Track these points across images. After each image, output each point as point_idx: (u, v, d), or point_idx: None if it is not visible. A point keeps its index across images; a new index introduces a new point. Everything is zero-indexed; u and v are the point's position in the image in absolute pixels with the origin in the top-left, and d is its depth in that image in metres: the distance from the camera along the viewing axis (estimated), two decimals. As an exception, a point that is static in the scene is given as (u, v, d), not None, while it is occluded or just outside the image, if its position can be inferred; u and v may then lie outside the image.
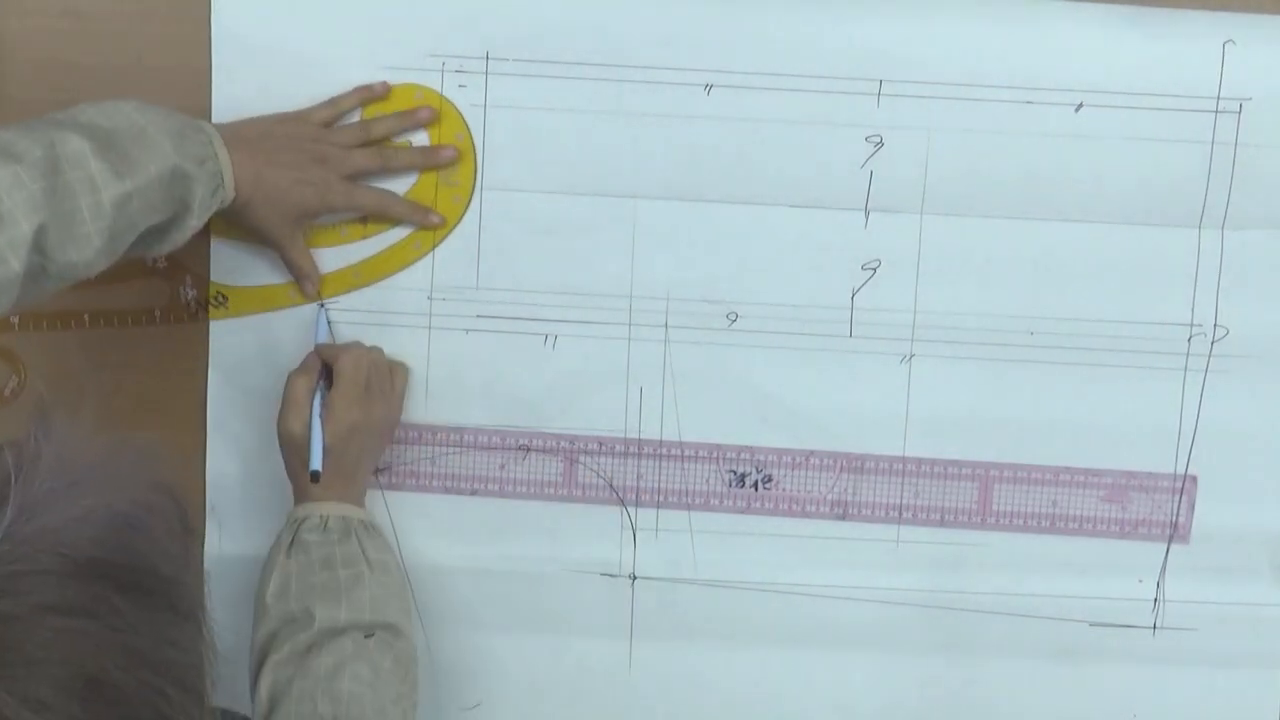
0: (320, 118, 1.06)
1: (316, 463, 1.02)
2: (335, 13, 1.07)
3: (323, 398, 1.04)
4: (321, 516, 1.02)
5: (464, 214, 1.09)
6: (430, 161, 1.08)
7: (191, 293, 1.11)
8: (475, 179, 1.09)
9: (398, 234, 1.09)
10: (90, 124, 0.93)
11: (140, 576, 0.63)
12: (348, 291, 1.10)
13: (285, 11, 1.07)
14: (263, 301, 1.10)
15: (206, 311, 1.10)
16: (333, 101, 1.07)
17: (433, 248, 1.09)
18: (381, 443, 1.09)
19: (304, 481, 1.03)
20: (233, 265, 1.10)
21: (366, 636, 0.99)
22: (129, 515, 0.64)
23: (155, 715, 0.62)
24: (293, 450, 1.04)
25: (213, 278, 1.10)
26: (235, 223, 1.05)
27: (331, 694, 0.96)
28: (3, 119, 1.06)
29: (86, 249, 0.91)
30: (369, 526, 1.05)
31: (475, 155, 1.09)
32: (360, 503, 1.06)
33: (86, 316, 1.10)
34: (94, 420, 0.66)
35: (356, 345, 1.08)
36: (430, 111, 1.08)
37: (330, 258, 1.09)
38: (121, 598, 0.62)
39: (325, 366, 1.06)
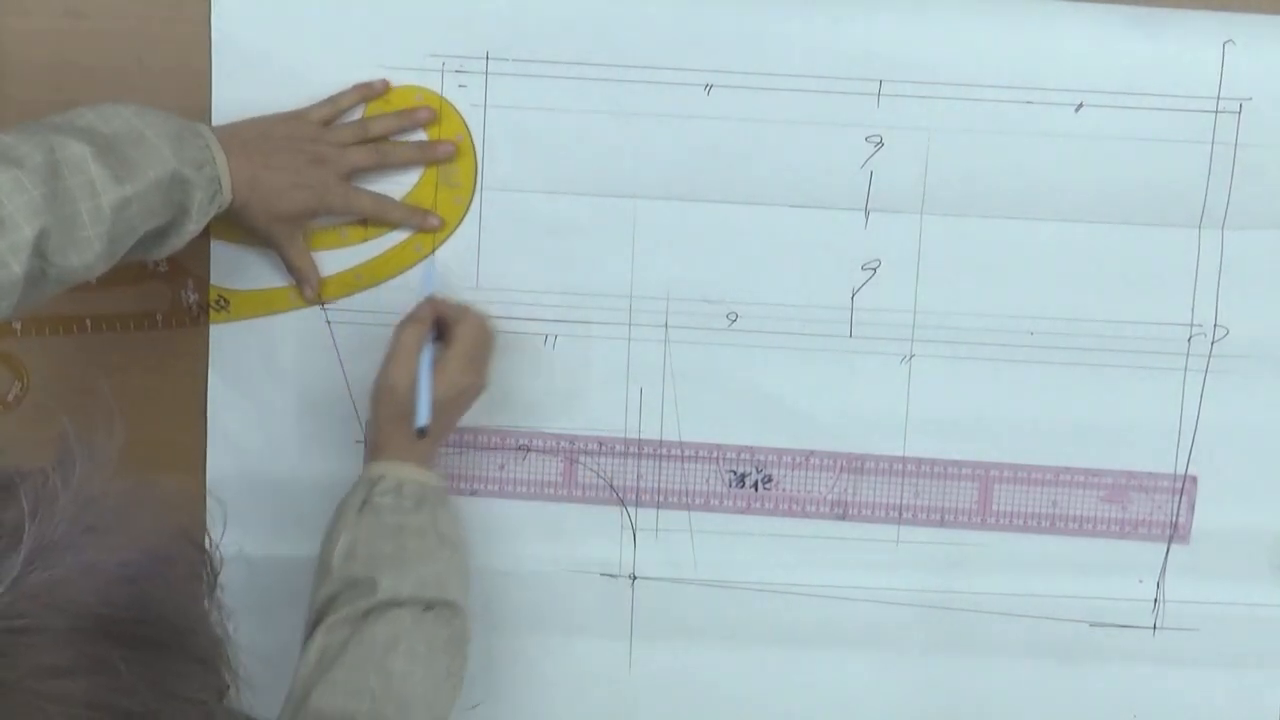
0: (319, 116, 1.06)
1: (424, 417, 1.00)
2: (335, 13, 1.07)
3: (432, 354, 1.02)
4: (397, 480, 1.01)
5: (464, 215, 1.09)
6: (428, 157, 1.08)
7: (193, 296, 1.11)
8: (476, 180, 1.09)
9: (398, 236, 1.09)
10: (89, 128, 0.93)
11: (147, 629, 0.62)
12: (348, 294, 1.10)
13: (285, 12, 1.07)
14: (264, 305, 1.10)
15: (208, 315, 1.10)
16: (332, 99, 1.07)
17: (433, 250, 1.09)
18: (462, 413, 1.07)
19: (385, 438, 1.01)
20: (234, 268, 1.10)
21: (426, 610, 0.97)
22: (141, 565, 0.62)
23: None
24: (390, 402, 1.01)
25: (214, 281, 1.10)
26: (234, 225, 1.05)
27: (384, 668, 0.95)
28: (3, 119, 1.06)
29: (87, 253, 0.91)
30: (444, 499, 1.03)
31: (476, 157, 1.09)
32: (434, 468, 1.04)
33: (89, 321, 1.10)
34: (120, 451, 0.65)
35: (477, 310, 1.06)
36: (429, 111, 1.08)
37: (331, 260, 1.09)
38: (123, 654, 0.60)
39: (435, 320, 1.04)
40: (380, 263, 1.10)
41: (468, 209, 1.09)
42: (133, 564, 0.62)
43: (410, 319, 1.04)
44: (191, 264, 1.09)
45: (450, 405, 1.03)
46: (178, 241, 0.99)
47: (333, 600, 0.98)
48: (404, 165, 1.08)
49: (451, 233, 1.09)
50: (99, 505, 0.62)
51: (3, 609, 0.58)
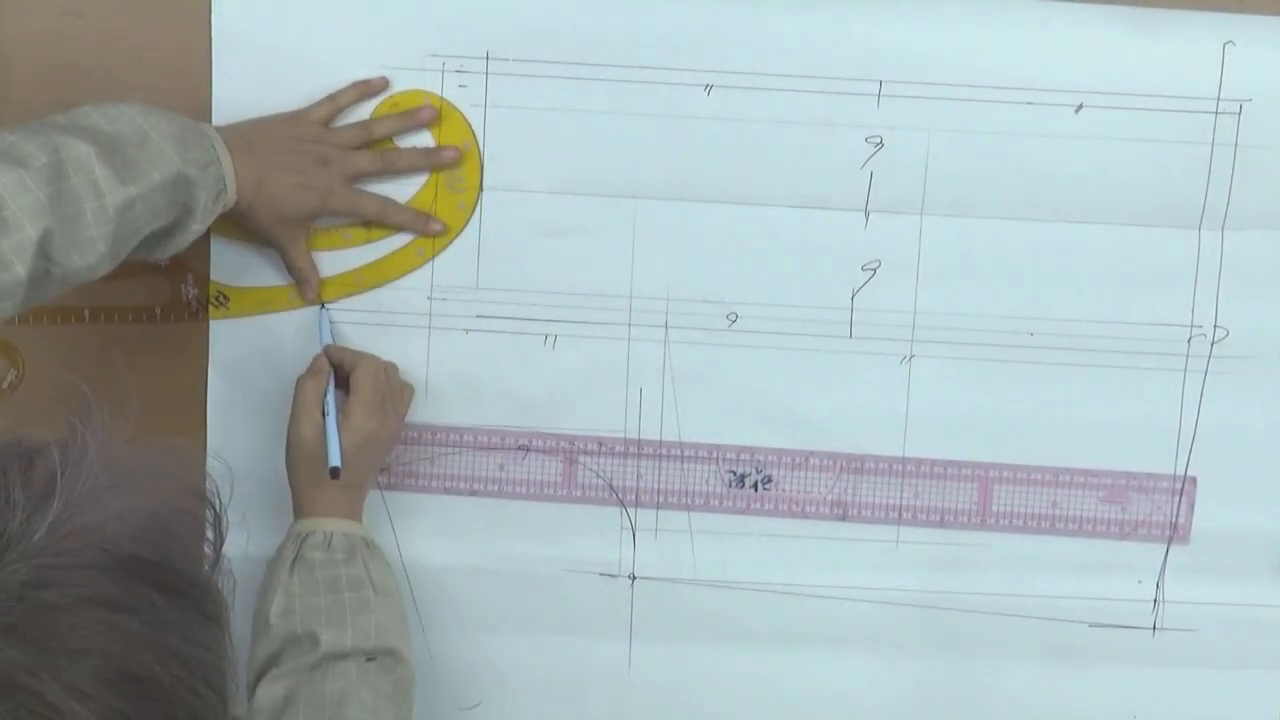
0: (319, 115, 1.06)
1: (336, 458, 1.01)
2: (335, 13, 1.07)
3: (335, 401, 1.04)
4: (325, 534, 1.02)
5: (468, 220, 1.09)
6: (432, 162, 1.08)
7: (193, 291, 1.11)
8: (479, 185, 1.09)
9: (400, 240, 1.09)
10: (93, 128, 0.93)
11: (174, 578, 0.64)
12: (349, 295, 1.10)
13: (285, 12, 1.07)
14: (263, 303, 1.10)
15: (207, 310, 1.10)
16: (331, 98, 1.07)
17: (434, 255, 1.09)
18: (383, 459, 1.09)
19: (307, 494, 1.03)
20: (234, 266, 1.10)
21: (368, 660, 0.99)
22: (165, 517, 0.65)
23: (189, 713, 0.62)
24: (302, 455, 1.03)
25: (214, 278, 1.10)
26: (237, 224, 1.05)
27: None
28: (3, 119, 1.06)
29: (90, 253, 0.91)
30: (372, 546, 1.04)
31: (481, 162, 1.09)
32: (360, 519, 1.06)
33: (87, 312, 1.10)
34: (135, 418, 0.67)
35: (372, 356, 1.08)
36: (432, 110, 1.08)
37: (332, 262, 1.09)
38: (158, 595, 0.62)
39: (334, 370, 1.06)
40: (381, 266, 1.10)
41: (471, 213, 1.09)
42: (157, 515, 0.64)
43: (307, 373, 1.05)
44: (192, 259, 1.09)
45: (361, 451, 1.03)
46: (182, 241, 0.99)
47: (275, 656, 0.99)
48: (409, 171, 1.08)
49: (456, 236, 1.09)
50: (122, 462, 0.64)
51: (45, 547, 0.60)
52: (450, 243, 1.09)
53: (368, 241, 1.10)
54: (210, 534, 0.69)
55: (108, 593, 0.61)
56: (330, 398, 1.04)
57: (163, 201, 0.94)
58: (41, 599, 0.59)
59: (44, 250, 0.89)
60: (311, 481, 1.03)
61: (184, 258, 1.09)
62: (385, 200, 1.08)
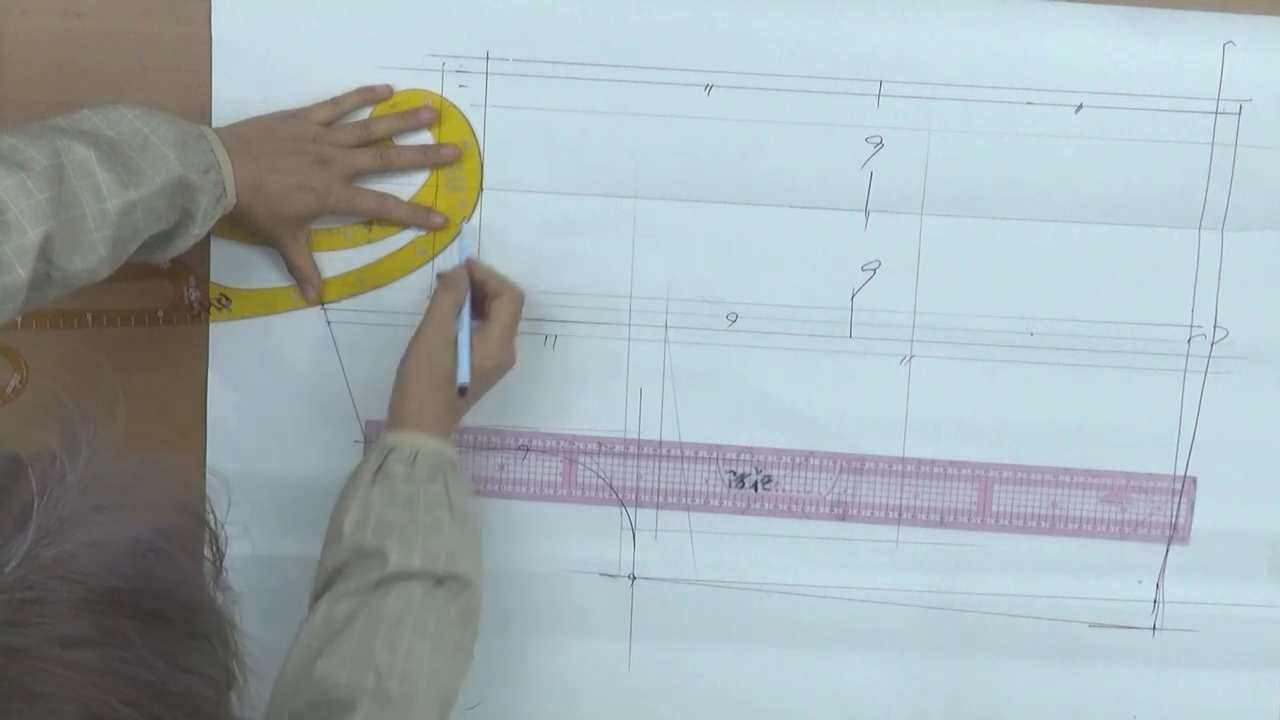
0: (321, 116, 1.06)
1: (466, 374, 1.00)
2: (335, 13, 1.07)
3: (468, 325, 1.03)
4: (412, 449, 0.99)
5: (470, 217, 1.09)
6: (432, 160, 1.08)
7: (195, 294, 1.11)
8: (479, 183, 1.09)
9: (401, 240, 1.09)
10: (94, 131, 0.93)
11: (156, 603, 0.63)
12: (350, 296, 1.10)
13: (285, 12, 1.07)
14: (265, 304, 1.10)
15: (209, 313, 1.10)
16: (334, 101, 1.07)
17: (435, 255, 1.09)
18: (489, 388, 1.06)
19: (413, 404, 1.00)
20: (236, 267, 1.10)
21: (437, 585, 0.96)
22: (149, 541, 0.63)
23: None
24: (425, 364, 1.00)
25: (216, 280, 1.10)
26: (238, 225, 1.05)
27: (391, 642, 0.93)
28: (3, 119, 1.06)
29: (91, 257, 0.91)
30: (457, 470, 1.01)
31: (480, 161, 1.09)
32: (452, 443, 1.03)
33: (89, 315, 1.10)
34: (123, 433, 0.66)
35: (515, 285, 1.06)
36: (431, 111, 1.08)
37: (333, 262, 1.09)
38: (135, 626, 0.61)
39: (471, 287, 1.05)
40: (383, 266, 1.10)
41: (471, 212, 1.09)
42: (140, 539, 0.63)
43: (447, 285, 1.04)
44: (194, 262, 1.09)
45: (485, 376, 1.03)
46: (182, 245, 0.99)
47: (342, 569, 0.97)
48: (408, 169, 1.08)
49: (455, 236, 1.09)
50: (106, 483, 0.63)
51: (15, 581, 0.59)
52: (451, 243, 1.09)
53: (369, 241, 1.10)
54: (207, 550, 0.67)
55: (77, 630, 0.60)
56: (466, 313, 1.02)
57: (163, 205, 0.95)
58: (5, 643, 0.58)
59: (45, 254, 0.89)
60: (425, 392, 1.00)
61: (186, 260, 1.09)
62: (385, 196, 1.08)
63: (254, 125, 1.04)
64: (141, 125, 0.94)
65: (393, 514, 0.97)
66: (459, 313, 1.02)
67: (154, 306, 1.11)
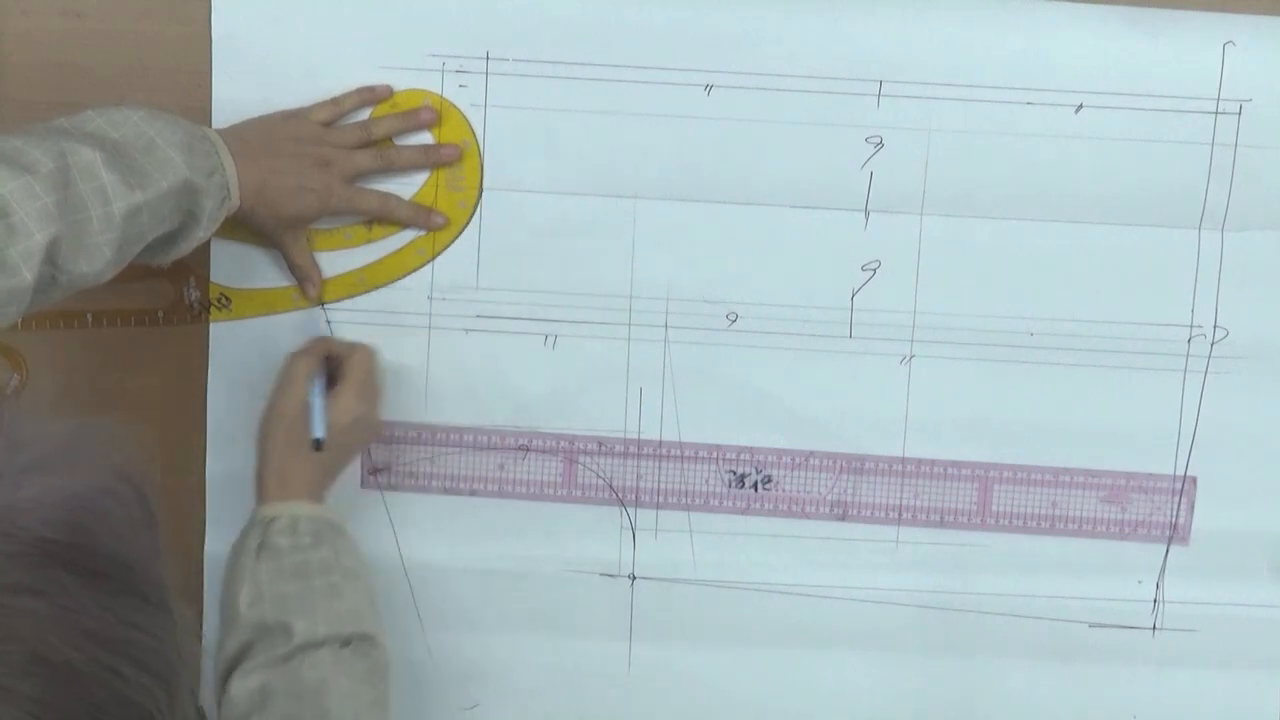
0: (321, 117, 1.06)
1: (320, 430, 1.01)
2: (335, 13, 1.07)
3: (323, 380, 1.04)
4: (291, 518, 1.00)
5: (469, 219, 1.09)
6: (432, 160, 1.08)
7: (195, 294, 1.11)
8: (480, 182, 1.09)
9: (401, 239, 1.09)
10: (99, 133, 0.93)
11: (96, 561, 0.63)
12: (351, 295, 1.10)
13: (285, 12, 1.07)
14: (265, 304, 1.10)
15: (209, 313, 1.10)
16: (334, 101, 1.07)
17: (435, 255, 1.09)
18: (358, 450, 1.08)
19: (277, 470, 1.01)
20: (236, 267, 1.10)
21: (343, 646, 0.97)
22: (86, 499, 0.63)
23: (111, 695, 0.61)
24: (281, 427, 1.01)
25: (216, 280, 1.10)
26: (238, 225, 1.05)
27: (320, 712, 0.95)
28: (3, 119, 1.06)
29: (97, 260, 0.91)
30: (339, 530, 1.02)
31: (481, 161, 1.09)
32: (325, 503, 1.04)
33: (90, 315, 1.10)
34: (50, 410, 0.66)
35: (366, 345, 1.07)
36: (432, 112, 1.08)
37: (334, 262, 1.09)
38: (72, 580, 0.61)
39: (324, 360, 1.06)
40: (383, 265, 1.10)
41: (472, 212, 1.09)
42: (75, 496, 0.63)
43: (299, 350, 1.05)
44: (194, 262, 1.09)
45: (344, 434, 1.03)
46: (186, 247, 0.99)
47: (246, 648, 0.97)
48: (409, 169, 1.08)
49: (457, 235, 1.09)
50: (39, 445, 0.64)
51: None
52: (451, 243, 1.09)
53: (369, 241, 1.10)
54: (141, 515, 0.67)
55: (12, 578, 0.60)
56: (319, 376, 1.03)
57: (169, 208, 0.95)
58: None
59: (51, 257, 0.88)
60: (285, 455, 1.01)
61: (186, 260, 1.08)
62: (387, 196, 1.08)
63: (255, 126, 1.04)
64: (146, 127, 0.94)
65: (286, 586, 0.98)
66: (312, 376, 1.03)
67: (154, 306, 1.11)
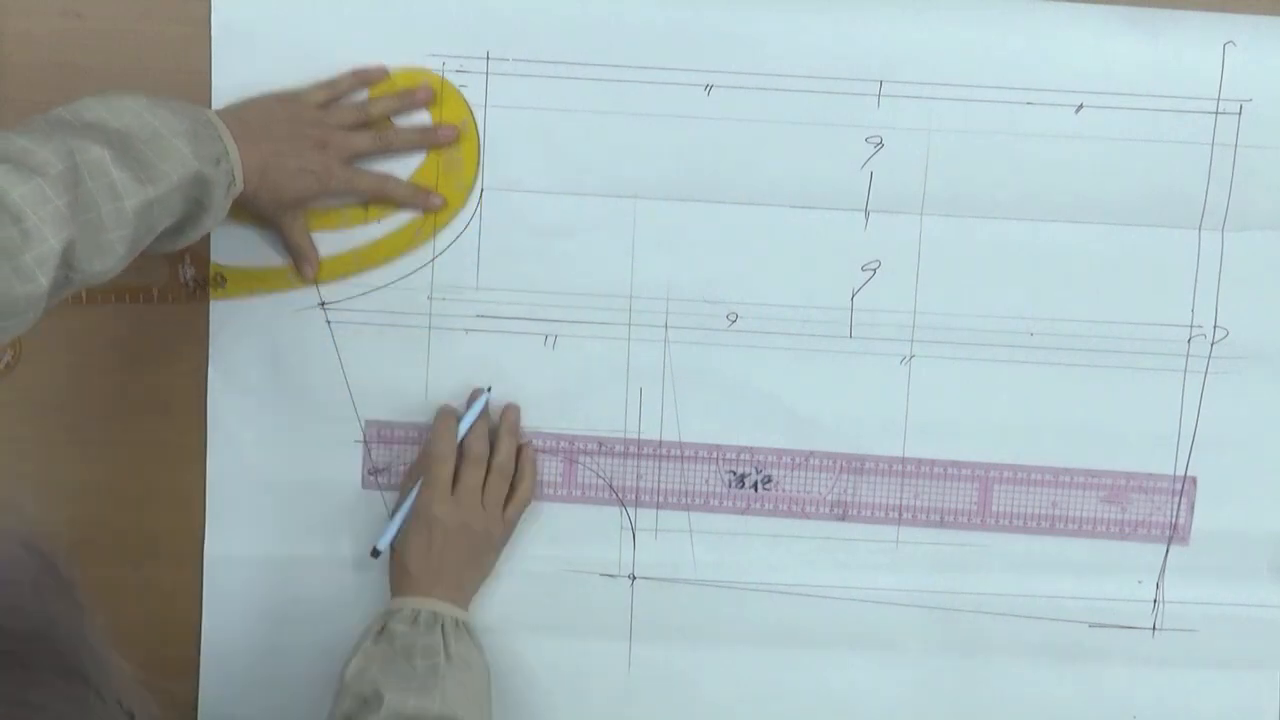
0: (317, 98, 1.06)
1: (383, 542, 1.06)
2: (335, 13, 1.07)
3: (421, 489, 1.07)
4: (415, 609, 1.03)
5: (467, 199, 1.09)
6: (430, 141, 1.08)
7: (190, 271, 1.10)
8: (478, 163, 1.09)
9: (399, 220, 1.09)
10: (100, 124, 0.92)
11: None
12: (346, 275, 1.10)
13: (285, 12, 1.07)
14: (261, 283, 1.10)
15: (205, 291, 1.10)
16: (330, 83, 1.07)
17: (434, 233, 1.09)
18: (482, 554, 1.09)
19: (409, 572, 1.05)
20: (232, 246, 1.09)
21: None
22: None
23: None
24: (424, 530, 1.05)
25: (212, 258, 1.10)
26: (235, 206, 1.05)
27: None
28: (3, 119, 1.06)
29: (110, 257, 0.90)
30: (460, 624, 1.04)
31: (479, 141, 1.09)
32: (462, 605, 1.06)
33: (84, 293, 1.09)
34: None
35: (477, 453, 1.08)
36: (428, 91, 1.08)
37: (330, 242, 1.09)
38: None
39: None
40: (380, 246, 1.10)
41: (469, 193, 1.09)
42: None
43: (441, 458, 1.07)
44: (190, 239, 1.09)
45: (435, 536, 1.05)
46: (194, 235, 0.99)
47: (348, 716, 1.00)
48: (406, 150, 1.08)
49: (454, 216, 1.09)
50: None
51: None
52: (450, 221, 1.09)
53: (366, 222, 1.09)
54: (50, 582, 0.66)
55: None
56: (417, 488, 1.06)
57: (179, 200, 0.94)
58: None
59: (67, 260, 0.87)
60: (423, 556, 1.05)
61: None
62: (385, 177, 1.08)
63: (253, 108, 1.04)
64: (149, 117, 0.94)
65: (390, 664, 1.00)
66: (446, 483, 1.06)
67: (148, 284, 1.10)
